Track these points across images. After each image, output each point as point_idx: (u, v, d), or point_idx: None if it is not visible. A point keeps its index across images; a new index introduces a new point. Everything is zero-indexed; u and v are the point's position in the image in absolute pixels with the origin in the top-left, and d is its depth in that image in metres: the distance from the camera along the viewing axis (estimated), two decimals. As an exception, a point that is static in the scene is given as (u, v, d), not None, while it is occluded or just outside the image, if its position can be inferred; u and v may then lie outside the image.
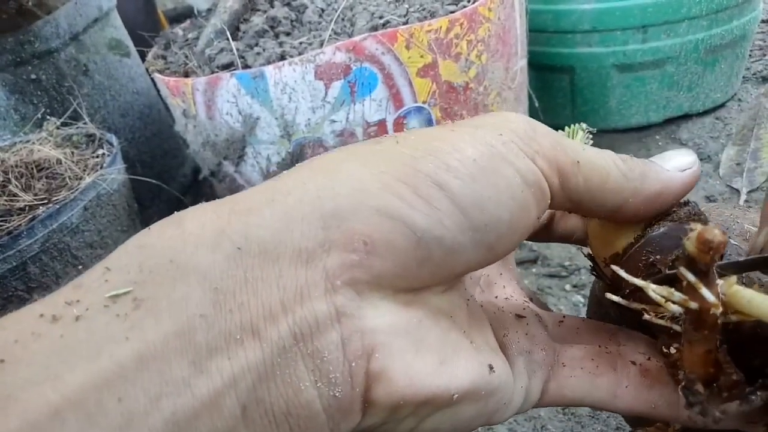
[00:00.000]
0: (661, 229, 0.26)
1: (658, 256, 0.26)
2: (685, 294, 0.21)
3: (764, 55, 1.54)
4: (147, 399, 0.16)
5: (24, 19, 1.00)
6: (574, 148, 0.25)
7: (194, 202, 0.98)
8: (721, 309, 0.21)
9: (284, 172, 0.22)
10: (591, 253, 0.31)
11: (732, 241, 0.28)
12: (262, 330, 0.18)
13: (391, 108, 0.88)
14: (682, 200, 0.28)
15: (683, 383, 0.23)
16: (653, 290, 0.22)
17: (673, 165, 0.27)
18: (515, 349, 0.27)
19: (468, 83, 0.92)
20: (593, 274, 0.31)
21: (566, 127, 0.35)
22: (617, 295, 0.25)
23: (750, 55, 1.48)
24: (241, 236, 0.19)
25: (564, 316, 0.31)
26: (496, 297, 0.31)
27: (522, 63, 1.05)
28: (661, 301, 0.22)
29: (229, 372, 0.18)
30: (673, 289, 0.22)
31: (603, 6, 1.18)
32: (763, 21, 1.61)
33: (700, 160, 1.23)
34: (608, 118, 1.31)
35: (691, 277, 0.20)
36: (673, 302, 0.21)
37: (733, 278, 0.21)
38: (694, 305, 0.21)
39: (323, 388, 0.19)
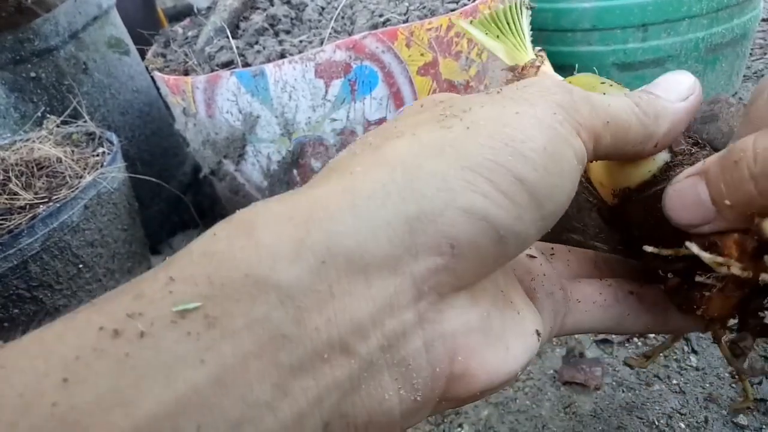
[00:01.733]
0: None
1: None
2: (743, 265, 0.24)
3: (765, 54, 1.54)
4: (227, 426, 0.15)
5: (23, 17, 1.00)
6: (604, 107, 0.25)
7: (194, 201, 0.97)
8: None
9: (350, 162, 0.21)
10: (589, 176, 0.33)
11: None
12: (351, 346, 0.18)
13: (391, 106, 0.88)
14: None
15: (731, 341, 0.27)
16: (708, 258, 0.24)
17: (676, 95, 0.27)
18: (541, 293, 0.28)
19: (468, 81, 0.92)
20: (585, 195, 0.33)
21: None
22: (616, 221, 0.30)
23: (750, 54, 1.48)
24: (324, 248, 0.18)
25: (553, 247, 0.33)
26: None
27: (522, 61, 1.05)
28: (714, 265, 0.24)
29: (315, 392, 0.17)
30: (728, 259, 0.24)
31: (603, 4, 1.18)
32: (763, 20, 1.61)
33: (701, 158, 1.22)
34: (608, 116, 1.31)
35: None
36: (722, 265, 0.24)
37: None
38: (745, 274, 0.23)
39: (405, 395, 0.19)
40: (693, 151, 0.28)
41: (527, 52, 0.39)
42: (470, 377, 0.21)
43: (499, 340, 0.22)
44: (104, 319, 0.16)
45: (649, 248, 0.26)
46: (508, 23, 0.40)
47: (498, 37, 0.40)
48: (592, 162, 0.26)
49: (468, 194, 0.20)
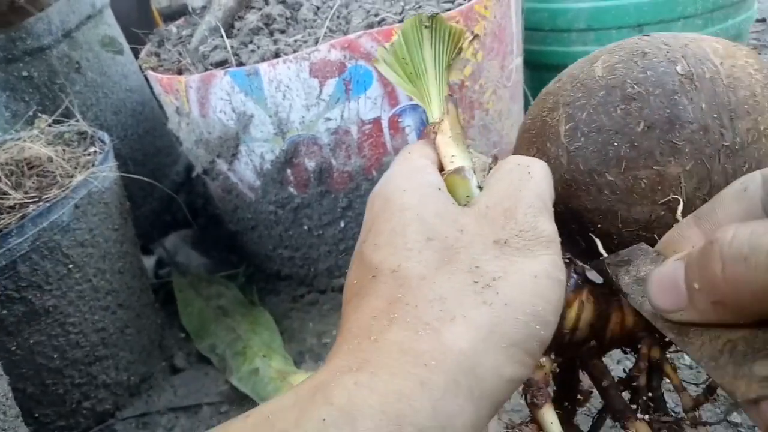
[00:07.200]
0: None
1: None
2: None
3: (759, 54, 1.54)
4: None
5: (16, 15, 0.99)
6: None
7: (187, 200, 0.96)
8: None
9: (417, 342, 0.24)
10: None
11: None
12: None
13: (386, 106, 0.87)
14: None
15: None
16: None
17: None
18: None
19: (463, 81, 0.91)
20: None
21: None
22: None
23: (745, 55, 1.48)
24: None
25: None
26: None
27: (517, 61, 1.05)
28: None
29: None
30: None
31: (599, 5, 1.18)
32: (758, 20, 1.62)
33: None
34: (604, 117, 1.31)
35: None
36: None
37: None
38: None
39: None
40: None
41: (431, 104, 0.33)
42: None
43: None
44: None
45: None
46: (408, 60, 0.34)
47: (410, 77, 0.34)
48: None
49: (511, 367, 0.24)
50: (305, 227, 0.99)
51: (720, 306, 0.22)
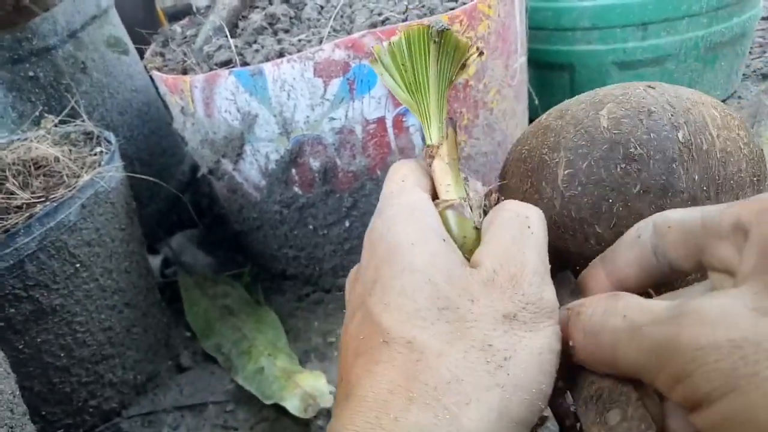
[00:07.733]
0: None
1: None
2: None
3: (764, 53, 1.54)
4: None
5: (21, 16, 1.00)
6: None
7: (193, 200, 0.96)
8: None
9: (437, 427, 0.25)
10: None
11: None
12: None
13: (390, 105, 0.88)
14: None
15: None
16: None
17: None
18: None
19: (467, 80, 0.91)
20: None
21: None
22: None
23: (750, 53, 1.47)
24: None
25: None
26: None
27: (522, 60, 1.05)
28: None
29: None
30: None
31: (603, 3, 1.18)
32: (763, 18, 1.61)
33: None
34: (608, 115, 1.30)
35: None
36: None
37: None
38: None
39: None
40: None
41: (430, 125, 0.32)
42: None
43: None
44: None
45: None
46: (409, 69, 0.32)
47: (408, 87, 0.32)
48: None
49: None
50: (310, 227, 0.99)
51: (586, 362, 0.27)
